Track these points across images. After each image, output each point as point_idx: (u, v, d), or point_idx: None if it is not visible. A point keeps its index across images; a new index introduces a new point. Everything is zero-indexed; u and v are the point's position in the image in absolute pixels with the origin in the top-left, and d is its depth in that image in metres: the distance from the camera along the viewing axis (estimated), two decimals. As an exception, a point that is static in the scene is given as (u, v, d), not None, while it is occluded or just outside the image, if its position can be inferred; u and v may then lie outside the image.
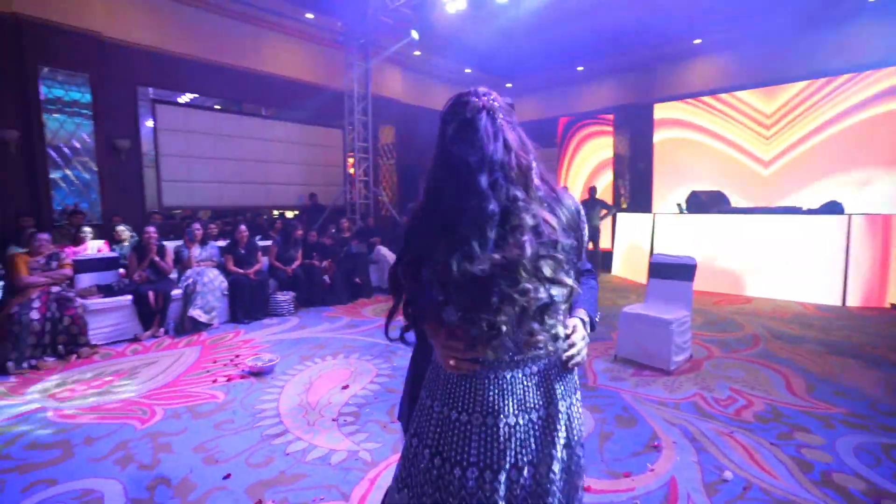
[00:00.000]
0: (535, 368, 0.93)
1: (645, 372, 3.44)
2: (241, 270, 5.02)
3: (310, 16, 7.49)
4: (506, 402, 0.90)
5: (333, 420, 2.65)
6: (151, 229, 4.64)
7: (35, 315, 3.64)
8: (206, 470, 2.16)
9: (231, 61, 7.22)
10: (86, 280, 4.40)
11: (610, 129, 9.40)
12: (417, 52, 9.42)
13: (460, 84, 11.33)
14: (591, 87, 10.26)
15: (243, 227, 5.20)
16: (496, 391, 0.90)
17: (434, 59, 9.82)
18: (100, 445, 2.39)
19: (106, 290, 4.32)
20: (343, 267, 5.93)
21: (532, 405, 0.92)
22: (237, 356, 3.76)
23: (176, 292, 4.54)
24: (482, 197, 0.81)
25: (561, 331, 0.90)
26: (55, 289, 3.86)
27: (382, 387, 3.12)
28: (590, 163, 9.88)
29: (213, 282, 4.71)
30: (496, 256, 0.80)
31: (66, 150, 5.94)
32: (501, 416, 0.89)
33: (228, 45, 7.17)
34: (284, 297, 5.15)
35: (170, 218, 7.73)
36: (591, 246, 7.90)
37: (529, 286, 0.82)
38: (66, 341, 3.78)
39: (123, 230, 5.52)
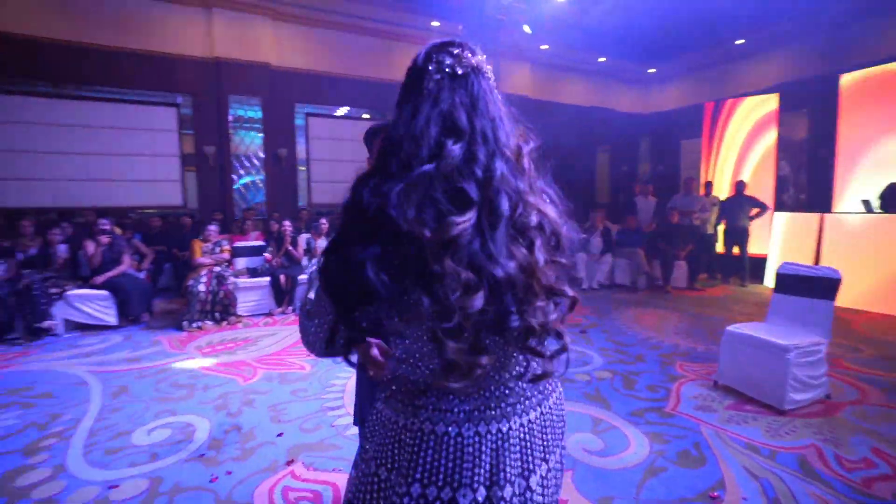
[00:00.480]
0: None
1: (747, 406, 2.89)
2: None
3: (436, 24, 7.95)
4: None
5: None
6: (287, 223, 5.58)
7: (202, 287, 4.75)
8: (269, 426, 2.61)
9: (368, 74, 8.12)
10: (241, 263, 5.53)
11: (774, 110, 7.81)
12: (545, 46, 9.21)
13: (596, 75, 10.71)
14: (752, 64, 8.63)
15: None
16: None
17: (562, 52, 9.47)
18: (210, 392, 3.06)
19: (252, 273, 5.37)
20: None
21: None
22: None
23: (302, 277, 5.39)
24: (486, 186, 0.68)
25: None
26: (217, 268, 4.97)
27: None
28: (747, 152, 8.37)
29: (330, 270, 5.44)
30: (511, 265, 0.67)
31: (244, 159, 7.48)
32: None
33: (365, 59, 8.08)
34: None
35: (327, 214, 9.07)
36: (737, 251, 6.75)
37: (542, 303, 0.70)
38: (220, 310, 4.85)
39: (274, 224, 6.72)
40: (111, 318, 4.65)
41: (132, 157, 6.79)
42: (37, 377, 3.36)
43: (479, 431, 0.73)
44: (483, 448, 0.73)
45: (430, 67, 0.75)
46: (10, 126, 6.07)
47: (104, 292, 4.62)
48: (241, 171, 7.48)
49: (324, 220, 5.81)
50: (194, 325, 4.65)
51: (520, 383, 0.78)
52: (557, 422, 0.84)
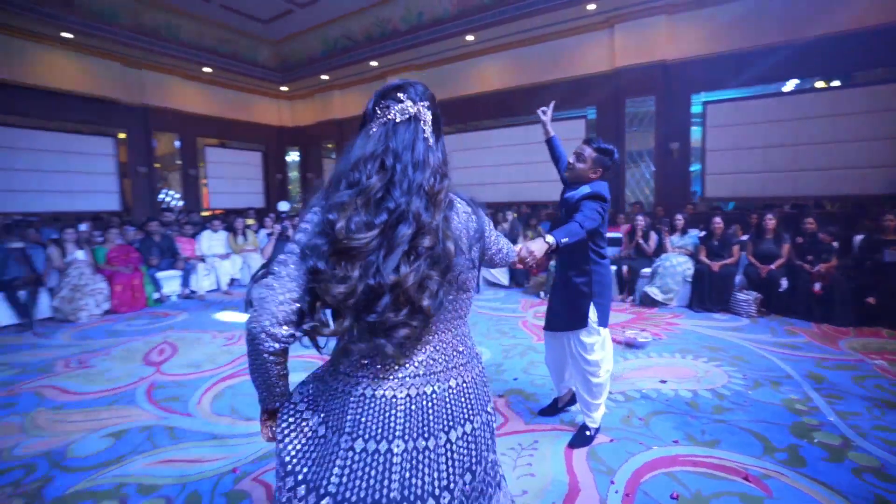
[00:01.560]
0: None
1: None
2: (708, 261, 5.16)
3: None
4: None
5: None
6: (640, 218, 5.80)
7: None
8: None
9: (785, 37, 6.56)
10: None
11: None
12: None
13: None
14: None
15: (718, 220, 5.23)
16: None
17: None
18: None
19: (602, 260, 6.02)
20: (855, 278, 4.47)
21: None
22: (637, 327, 4.37)
23: (645, 271, 5.51)
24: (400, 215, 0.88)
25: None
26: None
27: (699, 411, 2.93)
28: None
29: (674, 267, 5.26)
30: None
31: (636, 155, 7.98)
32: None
33: (779, 20, 6.56)
34: (745, 298, 4.80)
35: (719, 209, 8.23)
36: None
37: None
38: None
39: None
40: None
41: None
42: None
43: (410, 394, 0.94)
44: (411, 407, 0.93)
45: (378, 113, 0.96)
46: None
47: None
48: (631, 166, 8.03)
49: (717, 220, 5.24)
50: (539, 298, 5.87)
51: (441, 358, 0.99)
52: (480, 391, 1.06)
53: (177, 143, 10.84)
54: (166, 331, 4.78)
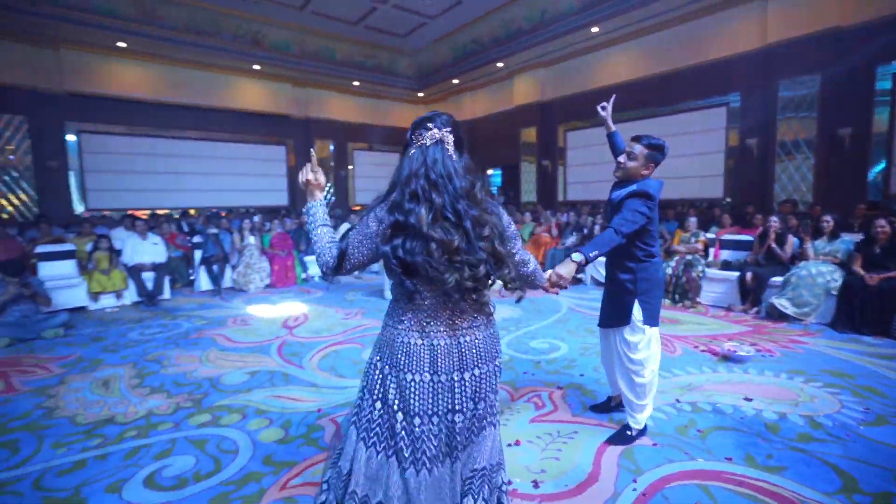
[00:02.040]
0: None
1: None
2: (862, 272, 4.28)
3: None
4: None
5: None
6: (774, 219, 5.03)
7: (669, 271, 5.48)
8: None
9: None
10: (724, 255, 5.62)
11: None
12: None
13: None
14: None
15: (883, 222, 4.28)
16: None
17: None
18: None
19: (725, 265, 5.38)
20: None
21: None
22: (747, 341, 3.89)
23: (776, 279, 4.80)
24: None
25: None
26: (688, 256, 5.48)
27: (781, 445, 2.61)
28: None
29: (813, 276, 4.49)
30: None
31: (790, 146, 6.83)
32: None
33: None
34: (913, 319, 3.88)
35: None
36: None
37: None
38: (680, 293, 5.39)
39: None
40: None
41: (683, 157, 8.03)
42: (546, 303, 5.64)
43: (434, 343, 1.32)
44: (435, 353, 1.32)
45: (414, 140, 1.32)
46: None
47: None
48: (784, 159, 6.91)
49: (882, 223, 4.29)
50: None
51: (458, 320, 1.34)
52: (490, 346, 1.39)
53: (331, 148, 12.71)
54: (304, 304, 5.86)
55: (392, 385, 1.32)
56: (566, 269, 1.90)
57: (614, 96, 2.76)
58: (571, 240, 7.26)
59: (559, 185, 10.62)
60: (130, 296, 5.96)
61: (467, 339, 1.34)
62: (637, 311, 2.33)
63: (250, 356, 3.88)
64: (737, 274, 5.12)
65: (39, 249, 5.64)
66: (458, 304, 1.31)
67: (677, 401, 2.86)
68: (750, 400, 2.87)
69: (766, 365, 3.45)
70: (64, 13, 8.07)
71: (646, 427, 2.46)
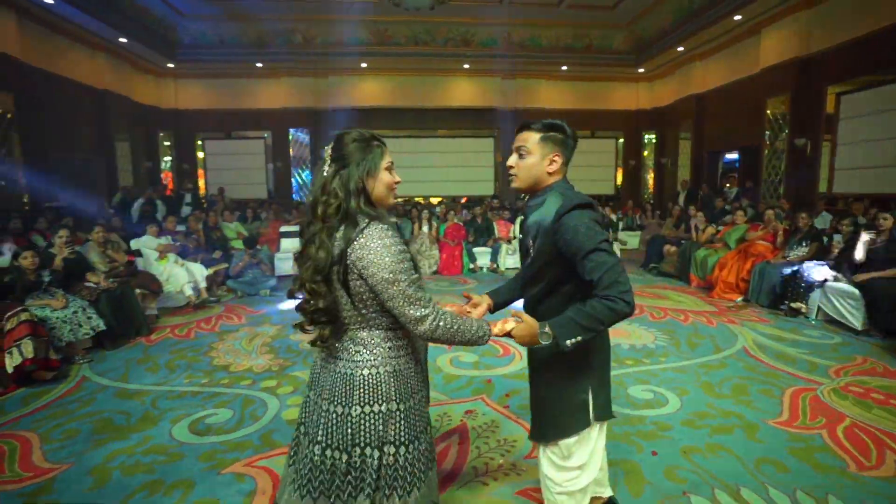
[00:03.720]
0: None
1: None
2: None
3: None
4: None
5: None
6: None
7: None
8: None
9: None
10: None
11: None
12: None
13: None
14: None
15: None
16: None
17: None
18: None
19: None
20: None
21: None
22: None
23: None
24: None
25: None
26: None
27: None
28: None
29: None
30: None
31: None
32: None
33: None
34: None
35: None
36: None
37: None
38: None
39: None
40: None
41: None
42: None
43: (318, 366, 1.29)
44: (317, 371, 1.29)
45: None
46: None
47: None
48: None
49: None
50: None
51: (334, 349, 1.26)
52: (342, 388, 1.20)
53: (537, 138, 12.58)
54: (458, 294, 6.14)
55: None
56: (499, 328, 1.27)
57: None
58: (798, 252, 5.22)
59: (821, 172, 7.64)
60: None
61: (335, 368, 1.21)
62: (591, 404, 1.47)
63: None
64: None
65: (283, 229, 7.70)
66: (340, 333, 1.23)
67: None
68: None
69: None
70: (330, 49, 10.60)
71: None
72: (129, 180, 10.01)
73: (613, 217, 9.73)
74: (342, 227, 1.14)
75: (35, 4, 7.32)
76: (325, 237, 1.14)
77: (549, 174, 1.44)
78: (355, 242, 1.11)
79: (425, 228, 7.80)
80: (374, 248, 1.10)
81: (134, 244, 5.63)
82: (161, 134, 11.47)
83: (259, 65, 11.04)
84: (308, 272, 1.15)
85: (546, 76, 12.06)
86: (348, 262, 1.13)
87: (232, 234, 7.51)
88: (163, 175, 11.53)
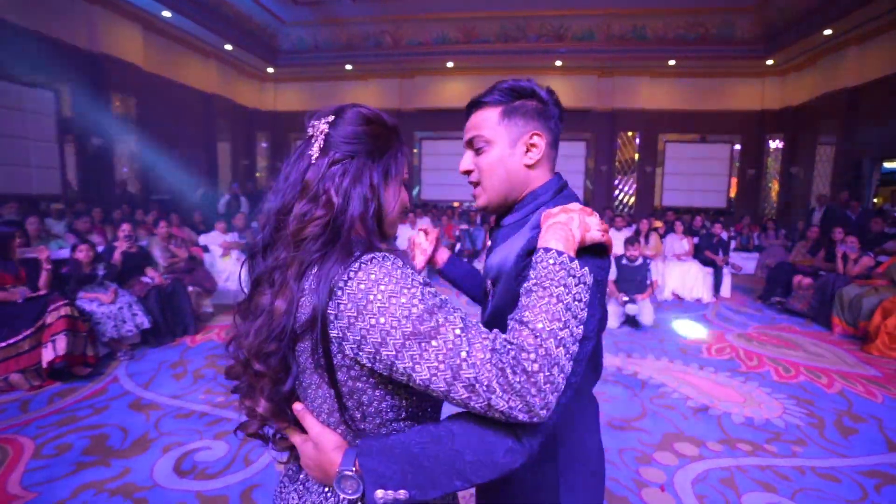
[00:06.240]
0: None
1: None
2: None
3: None
4: None
5: None
6: None
7: None
8: None
9: None
10: None
11: None
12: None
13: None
14: None
15: None
16: None
17: None
18: None
19: None
20: None
21: None
22: None
23: None
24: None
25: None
26: None
27: None
28: None
29: None
30: None
31: None
32: None
33: None
34: None
35: None
36: None
37: None
38: None
39: None
40: None
41: None
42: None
43: None
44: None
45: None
46: None
47: None
48: None
49: None
50: None
51: None
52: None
53: (637, 141, 11.23)
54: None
55: None
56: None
57: None
58: None
59: None
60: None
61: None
62: None
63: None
64: None
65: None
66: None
67: None
68: None
69: None
70: (416, 49, 10.41)
71: None
72: (227, 178, 10.74)
73: (724, 235, 8.19)
74: (324, 261, 0.63)
75: (157, 18, 8.06)
76: (293, 275, 0.64)
77: (530, 168, 0.89)
78: (346, 287, 0.60)
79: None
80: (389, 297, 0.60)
81: (202, 240, 5.74)
82: (258, 134, 12.19)
83: (348, 67, 11.19)
84: (255, 337, 0.66)
85: (649, 72, 10.69)
86: (332, 332, 0.61)
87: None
88: (258, 175, 12.24)
